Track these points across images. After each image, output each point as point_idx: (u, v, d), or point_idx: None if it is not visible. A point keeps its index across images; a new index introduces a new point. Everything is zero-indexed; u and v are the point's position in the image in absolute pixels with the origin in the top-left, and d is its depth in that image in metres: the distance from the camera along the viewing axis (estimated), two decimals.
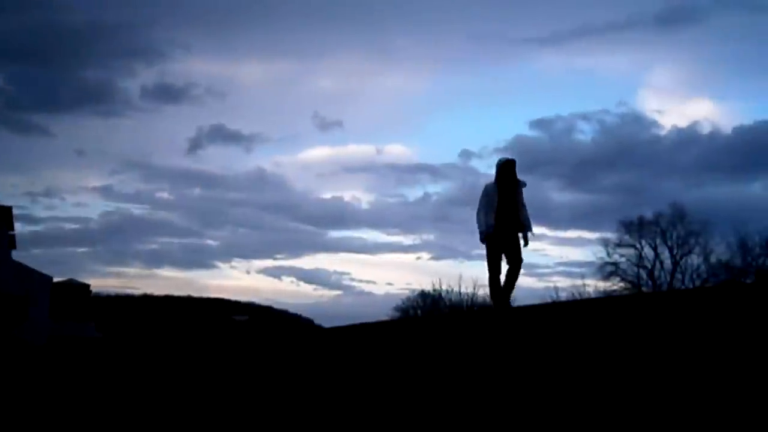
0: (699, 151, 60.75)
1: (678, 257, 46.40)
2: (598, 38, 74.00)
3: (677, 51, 73.83)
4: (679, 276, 45.79)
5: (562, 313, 10.10)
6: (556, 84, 76.89)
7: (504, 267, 11.18)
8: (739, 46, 67.43)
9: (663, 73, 72.54)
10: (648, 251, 47.33)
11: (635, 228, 47.47)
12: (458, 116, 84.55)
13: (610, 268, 47.52)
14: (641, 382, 5.07)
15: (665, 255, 46.87)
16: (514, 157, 11.65)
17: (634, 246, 47.59)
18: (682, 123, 65.26)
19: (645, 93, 79.72)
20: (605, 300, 16.00)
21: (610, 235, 48.67)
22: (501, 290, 11.28)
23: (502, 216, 11.27)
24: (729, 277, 40.63)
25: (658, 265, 46.97)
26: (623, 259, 47.86)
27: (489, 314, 11.54)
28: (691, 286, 42.28)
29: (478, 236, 11.35)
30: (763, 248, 41.69)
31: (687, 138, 60.58)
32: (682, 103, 74.91)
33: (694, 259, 45.79)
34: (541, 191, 69.51)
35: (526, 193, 11.60)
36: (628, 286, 46.49)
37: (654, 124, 76.34)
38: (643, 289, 45.33)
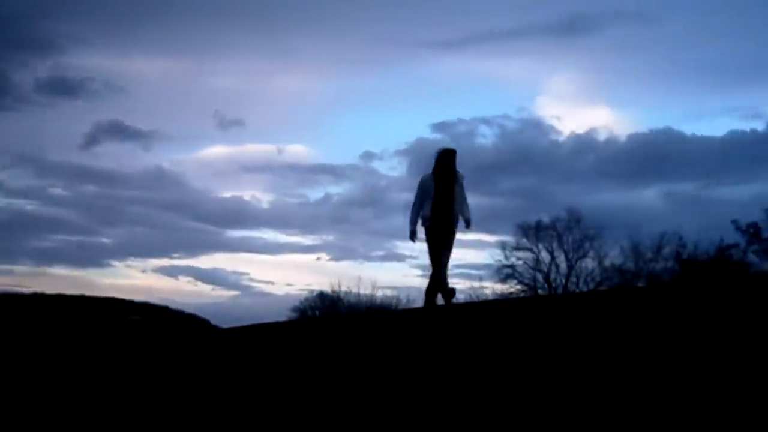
0: (595, 158, 62.28)
1: (573, 261, 47.43)
2: (500, 44, 75.18)
3: (576, 59, 75.78)
4: (573, 279, 46.84)
5: (461, 315, 10.12)
6: (458, 88, 77.73)
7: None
8: (635, 56, 69.63)
9: (562, 80, 74.30)
10: (545, 255, 48.25)
11: (533, 232, 48.26)
12: (360, 118, 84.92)
13: (507, 271, 48.17)
14: (536, 383, 5.07)
15: (561, 258, 47.88)
16: (454, 147, 11.14)
17: (531, 249, 48.42)
18: (580, 129, 67.25)
19: (545, 99, 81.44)
20: (502, 302, 16.16)
21: (508, 239, 49.37)
22: (437, 287, 10.97)
23: (439, 209, 10.78)
24: (622, 281, 41.76)
25: (554, 268, 47.93)
26: (520, 263, 48.64)
27: (387, 316, 11.47)
28: (585, 289, 43.27)
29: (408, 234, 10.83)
30: (655, 253, 43.02)
31: (584, 144, 62.17)
32: (580, 110, 76.82)
33: (589, 263, 46.88)
34: None
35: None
36: (525, 288, 47.27)
37: (553, 129, 77.89)
38: (539, 291, 46.18)
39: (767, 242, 38.48)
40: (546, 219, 48.65)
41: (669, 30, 67.43)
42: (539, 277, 48.20)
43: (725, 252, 39.11)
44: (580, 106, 76.99)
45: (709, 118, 67.80)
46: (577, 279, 46.68)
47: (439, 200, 10.81)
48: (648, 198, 59.64)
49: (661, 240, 42.81)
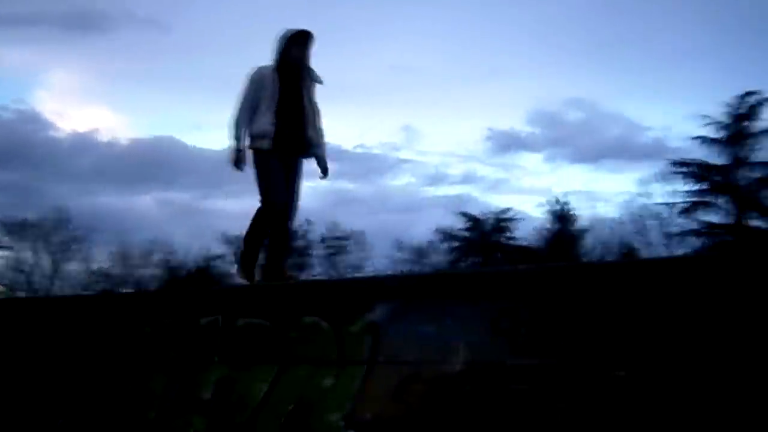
0: (95, 159, 60.99)
1: (58, 263, 46.07)
2: (3, 29, 70.02)
3: (83, 57, 73.24)
4: (58, 282, 45.47)
5: None
6: None
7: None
8: (144, 61, 69.67)
9: (65, 76, 71.50)
10: (28, 255, 46.14)
11: (16, 230, 45.87)
12: None
13: None
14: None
15: (46, 260, 46.20)
16: (310, 30, 7.16)
17: (12, 248, 46.01)
18: (82, 128, 64.83)
19: (45, 93, 77.66)
20: None
21: None
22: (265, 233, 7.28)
23: (284, 120, 7.04)
24: (108, 285, 41.72)
25: (38, 269, 46.04)
26: (1, 262, 45.99)
27: None
28: (70, 293, 42.22)
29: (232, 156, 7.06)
30: (144, 259, 43.84)
31: (85, 144, 60.39)
32: (83, 109, 74.54)
33: (75, 266, 45.91)
34: None
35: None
36: (3, 289, 44.75)
37: (52, 126, 74.55)
38: (20, 293, 43.98)
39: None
40: (32, 217, 46.53)
41: (178, 40, 68.86)
42: (21, 278, 46.00)
43: (211, 262, 41.27)
44: (83, 105, 74.92)
45: (211, 130, 70.31)
46: (62, 282, 45.46)
47: (286, 106, 7.09)
48: (145, 204, 60.00)
49: (152, 246, 43.71)
